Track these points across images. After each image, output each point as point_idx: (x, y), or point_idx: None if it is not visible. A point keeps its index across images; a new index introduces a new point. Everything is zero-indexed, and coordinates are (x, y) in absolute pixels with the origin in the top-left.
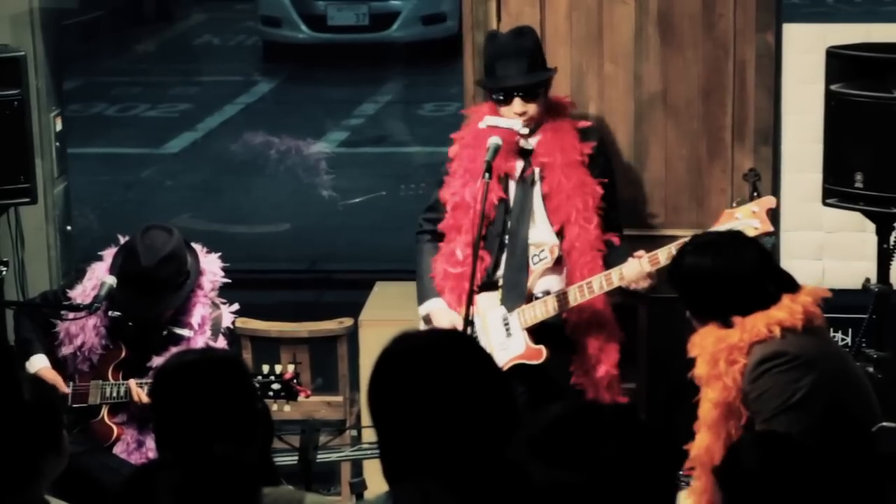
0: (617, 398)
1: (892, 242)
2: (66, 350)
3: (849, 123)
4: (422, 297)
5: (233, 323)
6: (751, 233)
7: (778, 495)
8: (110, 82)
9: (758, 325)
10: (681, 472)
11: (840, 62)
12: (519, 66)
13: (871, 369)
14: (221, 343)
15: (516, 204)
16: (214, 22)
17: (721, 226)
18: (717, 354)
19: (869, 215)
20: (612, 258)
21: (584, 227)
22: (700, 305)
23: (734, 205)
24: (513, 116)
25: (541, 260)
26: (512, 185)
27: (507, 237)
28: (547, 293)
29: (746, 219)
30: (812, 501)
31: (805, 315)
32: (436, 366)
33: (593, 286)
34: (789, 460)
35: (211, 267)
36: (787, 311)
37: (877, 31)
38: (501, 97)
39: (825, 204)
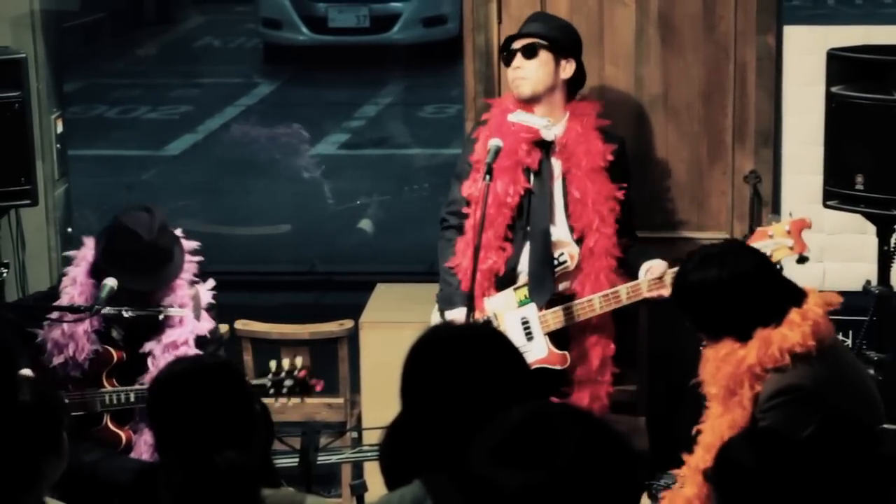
0: (597, 402)
1: (892, 244)
2: (56, 360)
3: (849, 125)
4: (448, 302)
5: (216, 316)
6: (785, 252)
7: (773, 492)
8: (111, 84)
9: (773, 349)
10: (660, 474)
11: (840, 64)
12: (535, 26)
13: (871, 371)
14: (206, 318)
15: (537, 196)
16: (215, 24)
17: (754, 244)
18: (740, 377)
19: (869, 217)
20: (629, 262)
21: (602, 234)
22: (712, 322)
23: (768, 223)
24: (512, 77)
25: (561, 264)
26: (533, 177)
27: (529, 229)
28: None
29: (780, 237)
30: (808, 498)
31: (816, 335)
32: (467, 356)
33: (620, 296)
34: (783, 456)
35: (186, 248)
36: (798, 333)
37: (877, 33)
38: (505, 53)
39: (826, 206)
